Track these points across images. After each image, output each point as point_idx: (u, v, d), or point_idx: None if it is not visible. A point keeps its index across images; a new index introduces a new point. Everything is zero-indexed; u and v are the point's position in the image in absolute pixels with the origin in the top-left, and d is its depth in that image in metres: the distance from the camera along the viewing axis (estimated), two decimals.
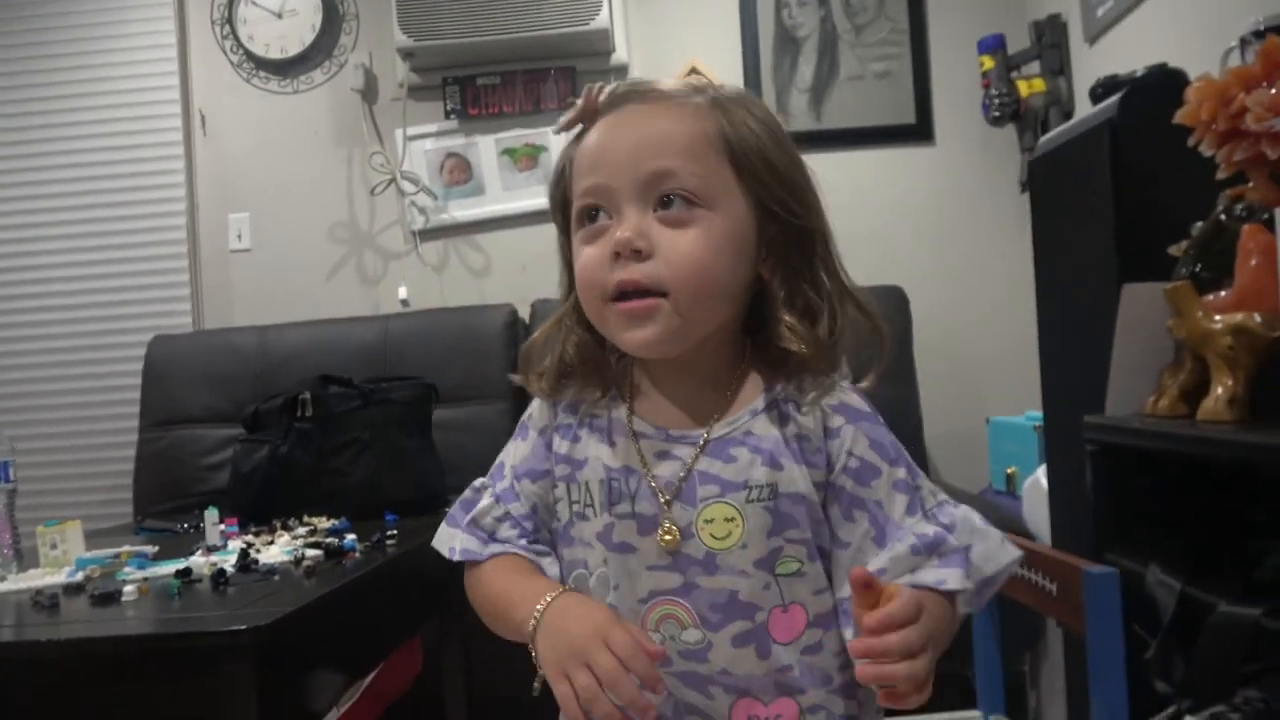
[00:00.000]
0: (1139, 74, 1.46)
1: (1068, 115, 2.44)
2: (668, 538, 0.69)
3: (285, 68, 2.77)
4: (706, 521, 0.69)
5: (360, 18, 2.75)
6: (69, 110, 2.80)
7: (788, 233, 0.71)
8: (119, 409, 2.68)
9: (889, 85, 2.65)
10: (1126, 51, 2.08)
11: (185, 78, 2.79)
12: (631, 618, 0.70)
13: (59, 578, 1.32)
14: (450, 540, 0.77)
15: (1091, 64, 2.27)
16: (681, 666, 0.70)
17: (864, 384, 0.75)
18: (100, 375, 2.76)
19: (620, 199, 0.69)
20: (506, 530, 0.76)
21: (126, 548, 1.46)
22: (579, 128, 0.75)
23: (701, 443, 0.71)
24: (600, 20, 2.50)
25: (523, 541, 0.76)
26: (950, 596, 0.68)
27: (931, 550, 0.69)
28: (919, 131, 2.64)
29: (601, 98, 0.73)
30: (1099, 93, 1.51)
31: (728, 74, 2.67)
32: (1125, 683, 0.91)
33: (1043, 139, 1.73)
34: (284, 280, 2.77)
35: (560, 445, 0.75)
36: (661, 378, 0.74)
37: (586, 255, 0.71)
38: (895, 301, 2.46)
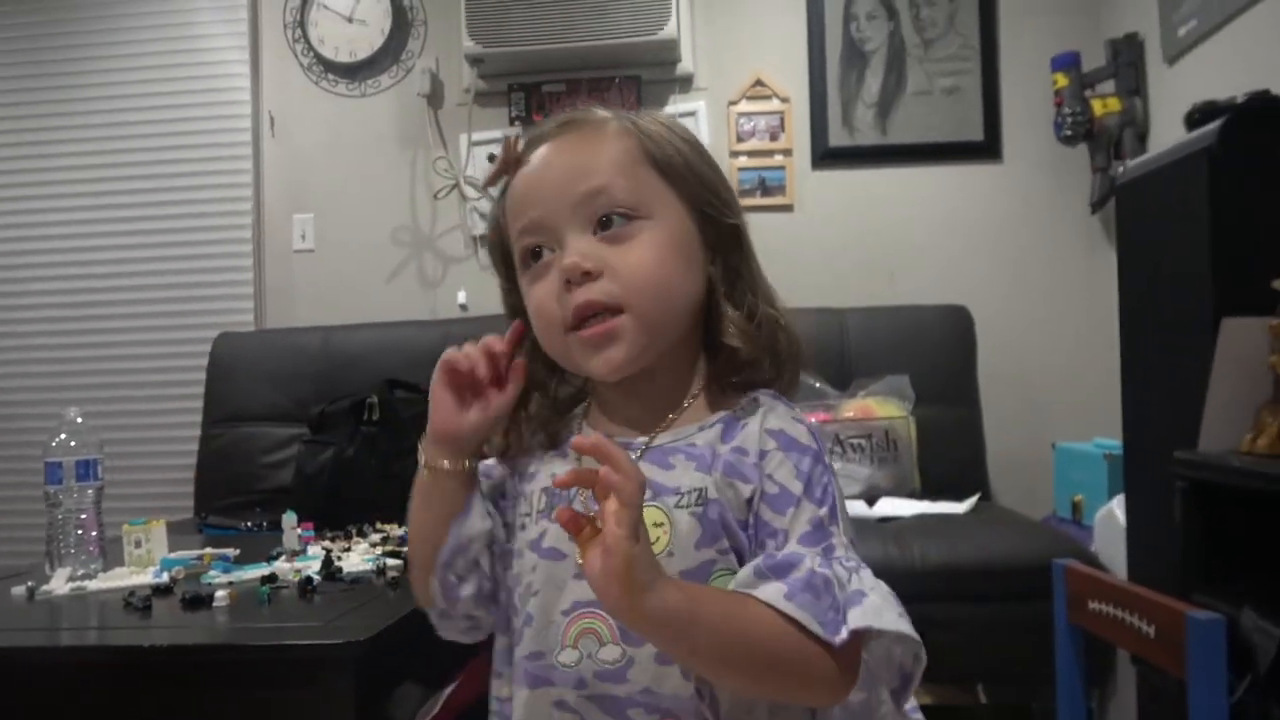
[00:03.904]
0: (1240, 100, 1.42)
1: (1142, 136, 2.40)
2: None
3: (354, 71, 2.80)
4: None
5: (429, 23, 2.77)
6: (142, 109, 2.85)
7: (723, 232, 0.72)
8: (182, 404, 2.72)
9: (957, 101, 2.62)
10: (1208, 74, 2.04)
11: (256, 80, 2.83)
12: (553, 631, 0.68)
13: (145, 578, 1.34)
14: None
15: (1170, 85, 2.23)
16: (597, 689, 0.66)
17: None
18: (164, 370, 2.81)
19: (559, 230, 0.69)
20: None
21: (209, 550, 1.48)
22: (505, 179, 0.74)
23: (642, 449, 0.70)
24: (668, 30, 2.50)
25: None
26: (803, 631, 0.60)
27: (777, 571, 0.62)
28: (986, 149, 2.61)
29: (520, 146, 0.73)
30: (1196, 118, 1.47)
31: (793, 87, 2.66)
32: None
33: (1131, 163, 1.69)
34: (345, 281, 2.80)
35: (524, 464, 0.76)
36: (613, 397, 0.74)
37: (538, 292, 0.70)
38: (959, 321, 2.43)
